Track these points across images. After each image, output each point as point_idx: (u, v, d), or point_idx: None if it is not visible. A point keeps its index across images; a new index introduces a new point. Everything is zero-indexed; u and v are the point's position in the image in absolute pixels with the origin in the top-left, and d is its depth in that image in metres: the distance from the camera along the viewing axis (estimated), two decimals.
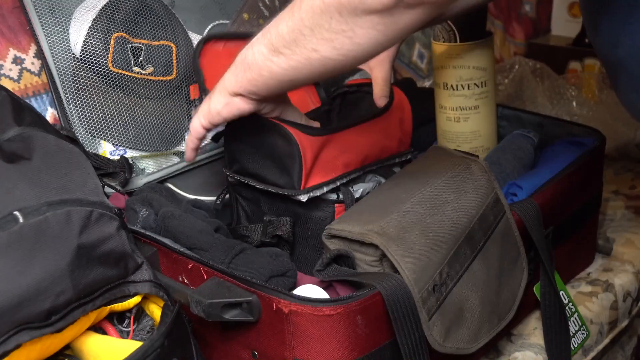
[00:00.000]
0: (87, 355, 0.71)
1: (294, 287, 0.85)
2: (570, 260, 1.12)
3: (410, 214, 0.83)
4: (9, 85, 1.04)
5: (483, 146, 1.19)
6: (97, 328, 0.74)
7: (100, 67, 1.04)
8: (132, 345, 0.70)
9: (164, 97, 1.10)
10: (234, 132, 0.99)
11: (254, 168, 0.97)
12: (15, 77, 1.05)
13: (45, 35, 1.03)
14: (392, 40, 0.75)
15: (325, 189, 0.97)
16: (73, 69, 1.04)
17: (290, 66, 0.80)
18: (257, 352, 0.80)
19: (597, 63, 1.69)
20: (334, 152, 0.98)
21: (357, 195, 1.00)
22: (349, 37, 0.74)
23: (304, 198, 0.94)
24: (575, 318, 1.04)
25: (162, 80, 1.09)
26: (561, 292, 1.02)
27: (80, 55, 1.03)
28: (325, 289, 0.83)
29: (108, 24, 1.04)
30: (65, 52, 1.04)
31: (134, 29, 1.07)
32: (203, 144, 0.99)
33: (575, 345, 1.02)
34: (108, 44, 1.04)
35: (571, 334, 1.01)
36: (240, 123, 0.97)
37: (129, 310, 0.75)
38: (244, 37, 1.15)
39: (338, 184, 0.99)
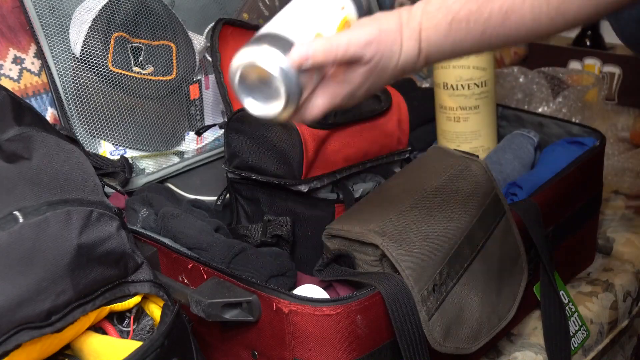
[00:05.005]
0: (87, 355, 0.71)
1: (294, 287, 0.85)
2: (570, 260, 1.12)
3: (410, 213, 0.83)
4: (9, 85, 1.04)
5: (483, 146, 1.19)
6: (97, 328, 0.74)
7: (100, 67, 1.04)
8: (132, 345, 0.70)
9: (164, 97, 1.10)
10: (235, 126, 0.99)
11: (255, 161, 0.97)
12: (15, 77, 1.05)
13: (45, 35, 1.03)
14: None
15: (325, 181, 0.97)
16: (73, 69, 1.04)
17: None
18: (257, 352, 0.80)
19: (597, 63, 1.69)
20: (335, 146, 0.98)
21: (357, 195, 1.00)
22: None
23: (304, 188, 0.94)
24: (575, 318, 1.04)
25: (162, 80, 1.09)
26: (561, 292, 1.02)
27: (80, 55, 1.03)
28: (325, 289, 0.83)
29: (108, 24, 1.04)
30: (65, 52, 1.04)
31: (134, 29, 1.07)
32: (203, 144, 0.99)
33: (575, 345, 1.02)
34: (108, 44, 1.04)
35: (571, 334, 1.01)
36: (243, 116, 0.97)
37: (129, 310, 0.75)
38: (251, 28, 1.15)
39: (338, 177, 0.99)
